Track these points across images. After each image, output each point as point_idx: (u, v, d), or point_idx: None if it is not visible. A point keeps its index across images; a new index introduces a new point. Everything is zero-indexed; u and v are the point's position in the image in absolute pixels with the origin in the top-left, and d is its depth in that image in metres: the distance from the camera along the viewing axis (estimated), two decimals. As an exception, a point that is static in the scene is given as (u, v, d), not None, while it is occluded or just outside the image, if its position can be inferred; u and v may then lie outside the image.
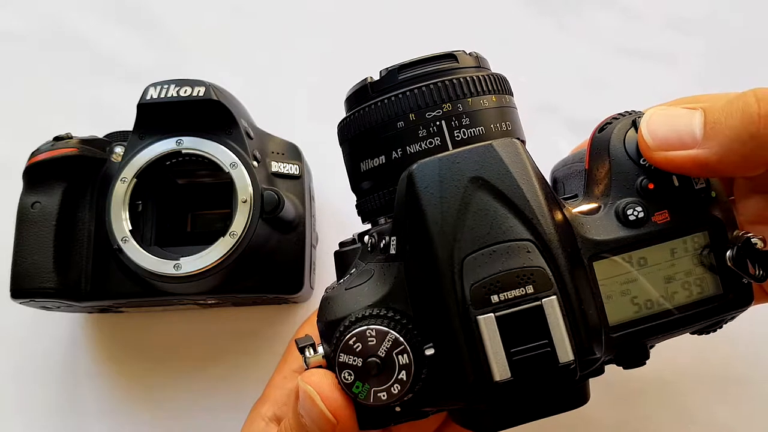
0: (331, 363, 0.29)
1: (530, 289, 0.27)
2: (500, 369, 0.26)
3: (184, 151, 0.40)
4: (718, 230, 0.31)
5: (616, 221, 0.30)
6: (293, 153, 0.44)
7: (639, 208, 0.30)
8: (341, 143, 0.34)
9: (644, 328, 0.30)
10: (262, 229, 0.39)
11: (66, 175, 0.41)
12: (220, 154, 0.40)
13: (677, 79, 0.51)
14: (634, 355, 0.30)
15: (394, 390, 0.28)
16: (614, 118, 0.33)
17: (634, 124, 0.32)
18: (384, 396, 0.28)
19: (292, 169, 0.43)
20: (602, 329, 0.29)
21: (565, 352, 0.26)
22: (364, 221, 0.34)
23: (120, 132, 0.43)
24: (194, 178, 0.43)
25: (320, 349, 0.30)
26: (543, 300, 0.27)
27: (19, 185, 0.41)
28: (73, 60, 0.53)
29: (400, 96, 0.31)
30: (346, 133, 0.33)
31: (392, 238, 0.30)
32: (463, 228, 0.27)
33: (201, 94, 0.40)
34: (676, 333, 0.31)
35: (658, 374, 0.47)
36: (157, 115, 0.40)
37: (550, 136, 0.50)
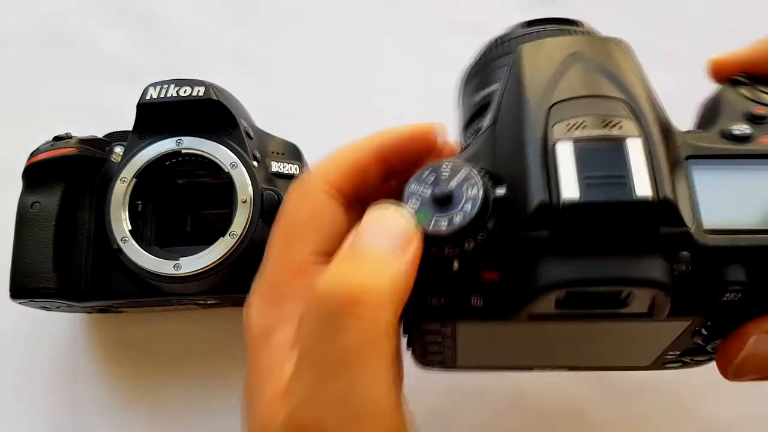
0: (400, 197, 0.26)
1: (615, 131, 0.25)
2: (569, 188, 0.24)
3: (183, 151, 0.40)
4: None
5: (720, 137, 0.28)
6: (293, 153, 0.44)
7: (746, 126, 0.28)
8: (465, 86, 0.35)
9: (749, 248, 0.25)
10: (262, 229, 0.39)
11: (66, 175, 0.41)
12: (220, 154, 0.40)
13: (681, 80, 0.51)
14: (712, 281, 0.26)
15: (456, 220, 0.25)
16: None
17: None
18: (444, 224, 0.25)
19: (292, 169, 0.43)
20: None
21: (643, 186, 0.24)
22: None
23: (120, 132, 0.43)
24: (194, 178, 0.43)
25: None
26: (627, 138, 0.25)
27: (19, 185, 0.41)
28: (73, 60, 0.53)
29: (525, 36, 0.32)
30: (469, 72, 0.34)
31: (488, 113, 0.29)
32: (558, 82, 0.27)
33: (201, 94, 0.40)
34: None
35: (657, 372, 0.47)
36: (156, 115, 0.40)
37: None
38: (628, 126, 0.25)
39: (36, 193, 0.41)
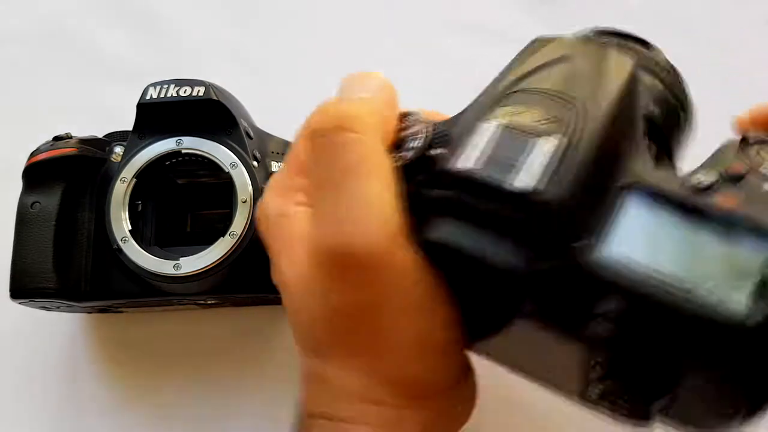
0: None
1: (541, 128, 0.26)
2: (466, 160, 0.26)
3: (183, 151, 0.40)
4: None
5: (678, 179, 0.27)
6: (293, 153, 0.44)
7: (709, 179, 0.26)
8: None
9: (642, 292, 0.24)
10: (262, 229, 0.39)
11: (65, 175, 0.41)
12: (220, 154, 0.40)
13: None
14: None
15: (396, 163, 0.29)
16: None
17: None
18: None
19: (292, 169, 0.43)
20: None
21: (525, 180, 0.25)
22: None
23: (120, 132, 0.43)
24: (194, 178, 0.43)
25: None
26: (544, 136, 0.26)
27: (19, 185, 0.41)
28: (73, 60, 0.53)
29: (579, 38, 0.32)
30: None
31: None
32: (534, 74, 0.29)
33: (201, 93, 0.40)
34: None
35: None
36: (156, 115, 0.40)
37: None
38: (558, 128, 0.26)
39: (36, 193, 0.41)
